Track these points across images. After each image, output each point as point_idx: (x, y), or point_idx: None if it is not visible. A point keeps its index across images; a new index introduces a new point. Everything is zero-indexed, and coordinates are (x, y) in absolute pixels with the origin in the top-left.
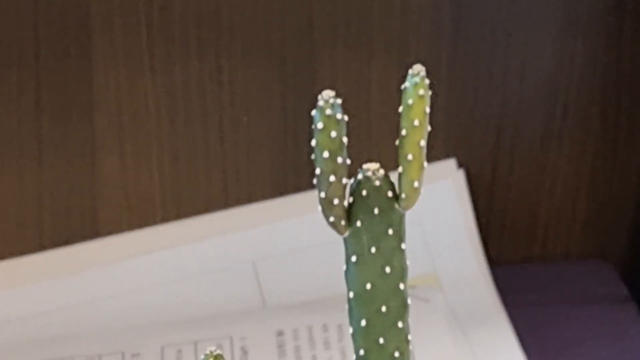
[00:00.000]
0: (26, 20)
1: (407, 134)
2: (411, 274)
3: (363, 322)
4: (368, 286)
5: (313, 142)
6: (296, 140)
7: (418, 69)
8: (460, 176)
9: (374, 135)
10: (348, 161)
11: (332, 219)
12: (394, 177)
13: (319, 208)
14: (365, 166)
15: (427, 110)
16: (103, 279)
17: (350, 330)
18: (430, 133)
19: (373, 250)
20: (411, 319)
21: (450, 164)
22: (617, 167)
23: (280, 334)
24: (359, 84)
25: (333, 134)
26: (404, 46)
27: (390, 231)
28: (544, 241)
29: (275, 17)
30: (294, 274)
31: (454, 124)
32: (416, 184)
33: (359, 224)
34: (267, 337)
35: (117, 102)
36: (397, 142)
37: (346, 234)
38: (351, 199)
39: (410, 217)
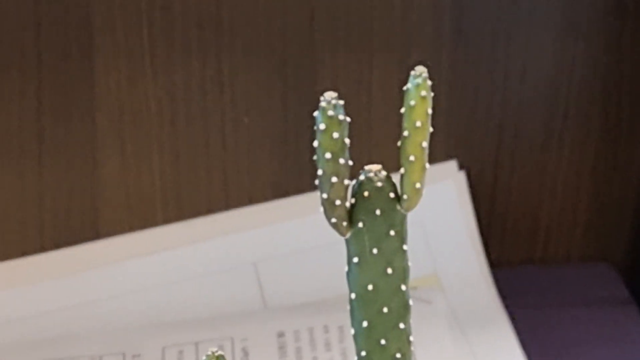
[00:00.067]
0: (27, 21)
1: (409, 135)
2: (412, 275)
3: (365, 323)
4: (370, 287)
5: (315, 143)
6: (297, 142)
7: (420, 70)
8: (461, 178)
9: (375, 137)
10: (350, 162)
11: (334, 220)
12: (395, 178)
13: (321, 209)
14: (367, 167)
15: (429, 111)
16: (104, 279)
17: (352, 331)
18: (431, 134)
19: (375, 251)
20: (412, 320)
21: (452, 165)
22: (618, 169)
23: (281, 335)
24: (359, 85)
25: (335, 135)
26: (405, 48)
27: (392, 232)
28: (545, 243)
29: (276, 18)
30: (295, 275)
31: (455, 126)
32: (418, 185)
33: (360, 225)
34: (268, 338)
35: (118, 102)
36: (399, 144)
37: (348, 235)
38: (353, 200)
39: (412, 219)
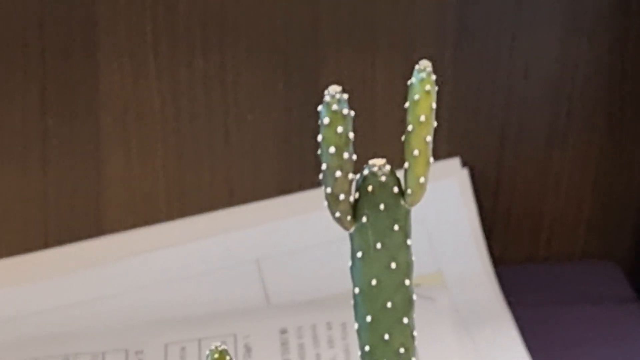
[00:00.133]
0: (31, 19)
1: (413, 129)
2: (415, 272)
3: (368, 318)
4: (373, 282)
5: (319, 138)
6: (300, 139)
7: (425, 64)
8: (464, 175)
9: (378, 134)
10: (354, 157)
11: (337, 214)
12: (399, 175)
13: (325, 203)
14: (371, 162)
15: (434, 105)
16: (107, 276)
17: (356, 326)
18: (434, 132)
19: (378, 246)
20: (415, 317)
21: (455, 163)
22: (622, 167)
23: (284, 331)
24: (363, 83)
25: (339, 129)
26: (409, 45)
27: (396, 227)
28: (549, 241)
29: (279, 17)
30: (298, 272)
31: (459, 123)
32: (422, 179)
33: (364, 219)
34: (270, 335)
35: (122, 100)
36: (403, 138)
37: (352, 229)
38: (357, 195)
39: (415, 216)
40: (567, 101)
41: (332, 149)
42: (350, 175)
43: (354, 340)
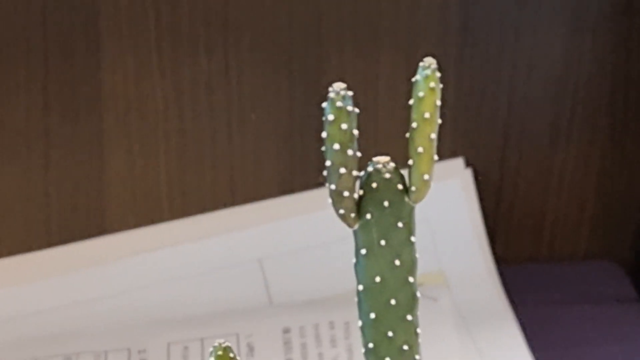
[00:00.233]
0: (34, 17)
1: (418, 126)
2: (418, 271)
3: (372, 315)
4: (377, 279)
5: (323, 134)
6: (303, 139)
7: (429, 61)
8: (467, 175)
9: (381, 134)
10: (358, 154)
11: (341, 211)
12: (403, 172)
13: (329, 200)
14: (375, 159)
15: (438, 103)
16: (109, 275)
17: (359, 323)
18: (438, 132)
19: (382, 243)
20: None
21: (458, 162)
22: (624, 167)
23: (286, 331)
24: (366, 82)
25: (344, 126)
26: (412, 45)
27: (400, 224)
28: (551, 241)
29: (283, 15)
30: (300, 272)
31: (462, 123)
32: (426, 176)
33: (368, 216)
34: (273, 335)
35: (125, 99)
36: (407, 135)
37: (356, 226)
38: (361, 192)
39: (418, 215)
40: (570, 101)
41: (336, 146)
42: (355, 172)
43: (356, 340)
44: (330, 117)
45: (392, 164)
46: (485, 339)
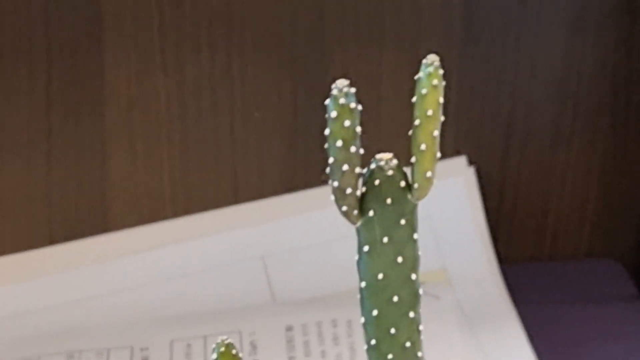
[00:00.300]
0: (37, 16)
1: (421, 123)
2: (420, 269)
3: (374, 312)
4: (380, 276)
5: (327, 131)
6: (306, 137)
7: (432, 58)
8: (470, 173)
9: (384, 132)
10: (361, 151)
11: (344, 208)
12: (406, 170)
13: (332, 197)
14: (378, 156)
15: (441, 100)
16: (112, 273)
17: (362, 320)
18: (440, 131)
19: (385, 240)
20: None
21: (461, 161)
22: (626, 166)
23: (289, 329)
24: (369, 80)
25: (347, 122)
26: (415, 44)
27: (403, 221)
28: (554, 239)
29: (286, 13)
30: (303, 270)
31: (465, 122)
32: (429, 174)
33: (371, 213)
34: (276, 332)
35: (128, 97)
36: (410, 132)
37: (358, 223)
38: (364, 189)
39: (420, 213)
40: (572, 100)
41: (339, 143)
42: (357, 169)
43: (359, 338)
44: (333, 114)
45: (394, 161)
46: (488, 337)
